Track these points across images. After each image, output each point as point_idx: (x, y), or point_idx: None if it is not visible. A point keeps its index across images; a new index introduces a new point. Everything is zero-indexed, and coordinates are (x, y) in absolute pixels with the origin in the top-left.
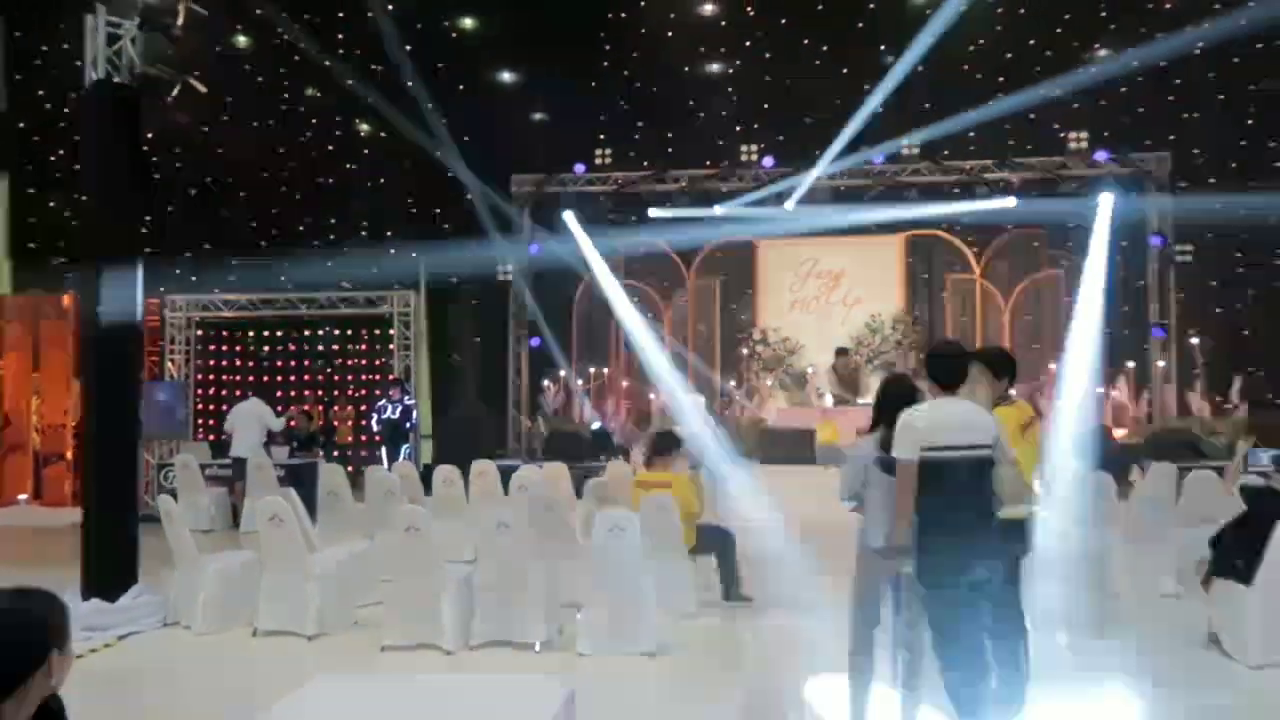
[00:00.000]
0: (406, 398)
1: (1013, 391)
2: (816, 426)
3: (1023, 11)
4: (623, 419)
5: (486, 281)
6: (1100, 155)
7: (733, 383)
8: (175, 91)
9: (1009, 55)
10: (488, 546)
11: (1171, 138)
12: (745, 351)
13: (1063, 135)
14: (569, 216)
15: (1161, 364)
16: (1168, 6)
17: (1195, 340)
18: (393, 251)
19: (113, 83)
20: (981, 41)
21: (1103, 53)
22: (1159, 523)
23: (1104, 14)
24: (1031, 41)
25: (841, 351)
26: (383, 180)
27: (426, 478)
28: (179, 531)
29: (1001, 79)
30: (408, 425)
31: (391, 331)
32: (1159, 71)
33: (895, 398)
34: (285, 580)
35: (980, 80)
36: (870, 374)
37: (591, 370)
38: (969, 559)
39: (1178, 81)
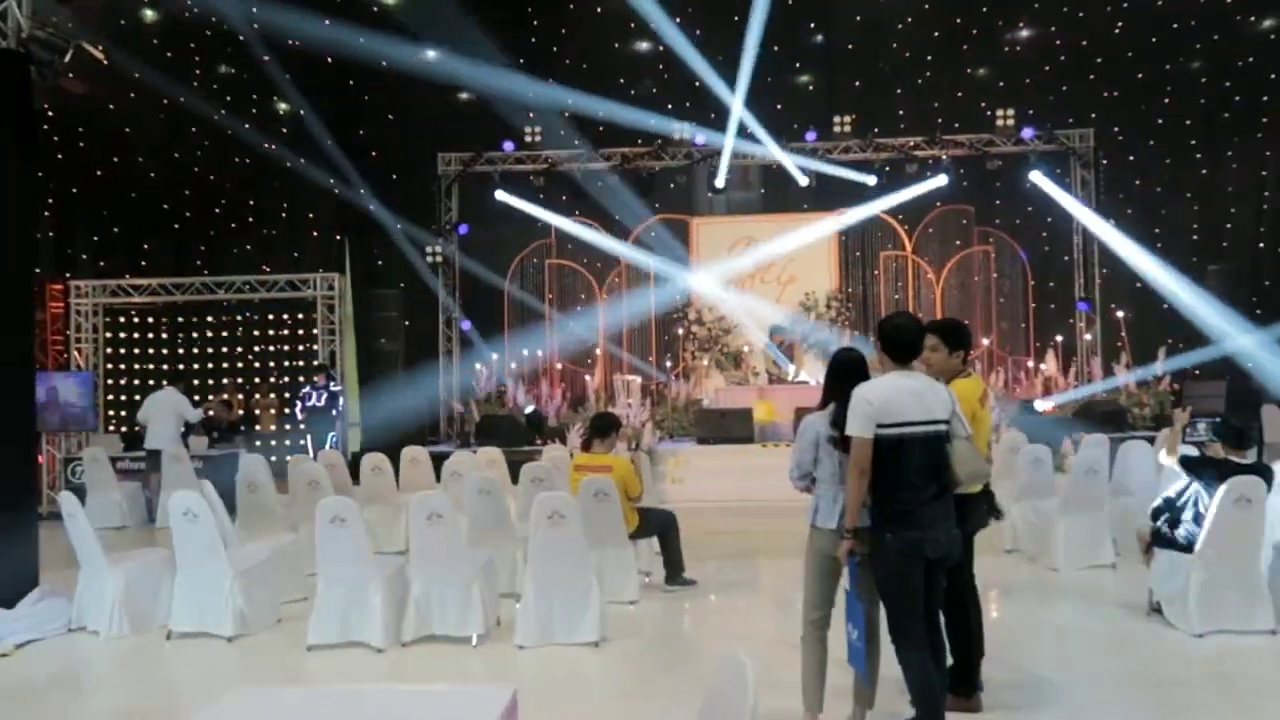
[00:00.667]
0: (332, 384)
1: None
2: (754, 405)
3: None
4: (558, 402)
5: (414, 263)
6: (1026, 133)
7: (669, 362)
8: (67, 58)
9: (936, 33)
10: (420, 537)
11: (1093, 115)
12: (680, 331)
13: (989, 113)
14: (501, 194)
15: (1088, 338)
16: None
17: (1121, 314)
18: (316, 234)
19: None
20: (910, 20)
21: (1026, 32)
22: (1094, 494)
23: None
24: (958, 20)
25: (776, 330)
26: (303, 159)
27: (355, 466)
28: (82, 530)
29: (929, 57)
30: (334, 412)
31: (315, 316)
32: (1081, 50)
33: (846, 373)
34: (201, 579)
35: (909, 58)
36: (804, 352)
37: (525, 352)
38: (926, 538)
39: (1099, 60)
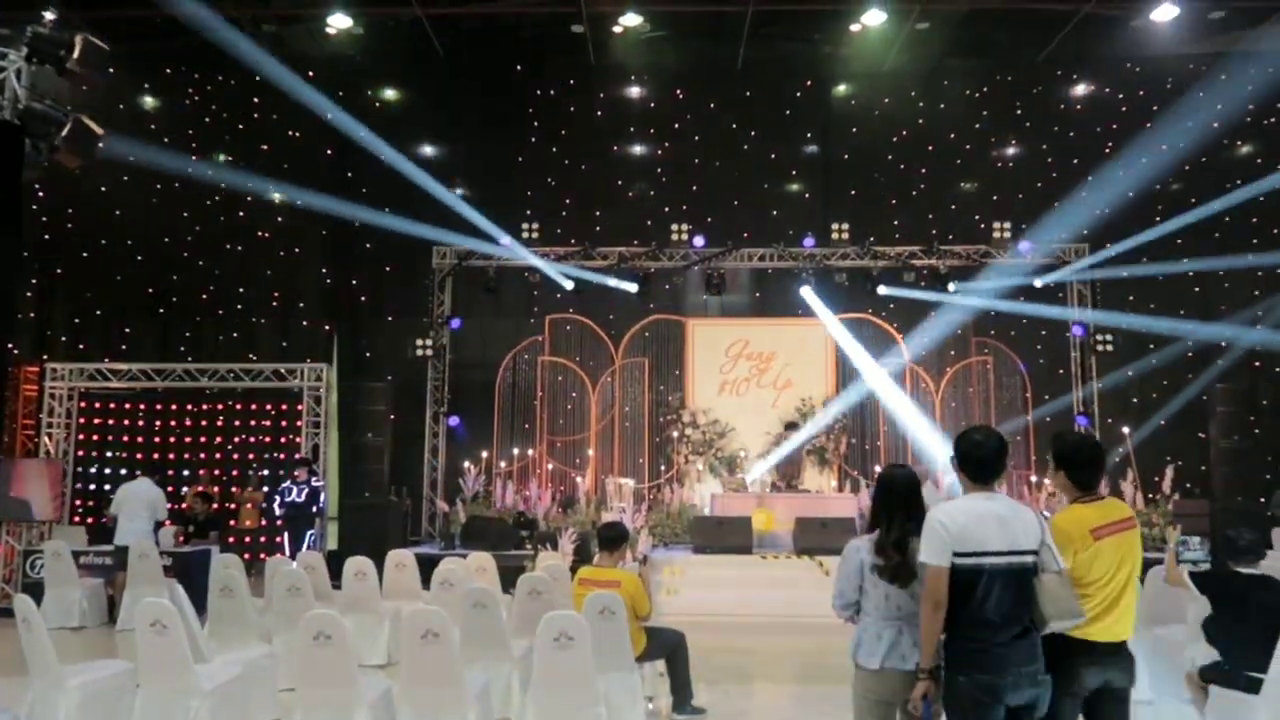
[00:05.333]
0: (314, 479)
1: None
2: (752, 513)
3: (942, 106)
4: (547, 504)
5: (403, 357)
6: (1023, 246)
7: (662, 466)
8: (65, 131)
9: (930, 147)
10: (412, 657)
11: (1085, 231)
12: (675, 434)
13: (983, 225)
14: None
15: None
16: (1078, 109)
17: (1126, 430)
18: (305, 323)
19: None
20: (904, 133)
21: (1016, 150)
22: None
23: (1019, 112)
24: (952, 135)
25: (792, 426)
26: (296, 249)
27: (334, 566)
28: (36, 637)
29: (924, 169)
30: (314, 509)
31: (300, 407)
32: (1072, 168)
33: (896, 493)
34: (166, 697)
35: (904, 170)
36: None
37: (514, 451)
38: (1004, 683)
39: (1089, 178)
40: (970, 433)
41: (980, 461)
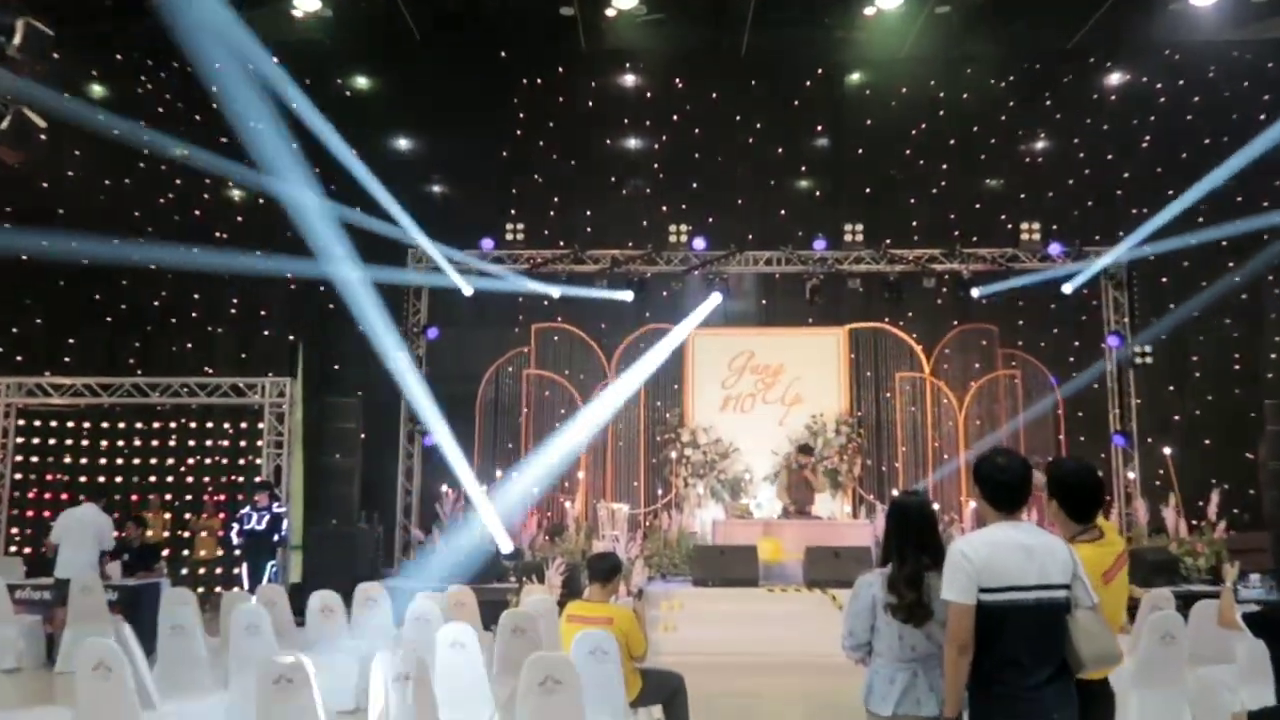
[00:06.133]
0: (276, 504)
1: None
2: (758, 542)
3: (964, 96)
4: (532, 531)
5: (375, 369)
6: (1054, 248)
7: (659, 489)
8: (4, 124)
9: (951, 141)
10: (382, 700)
11: (1120, 232)
12: (673, 454)
13: (1010, 226)
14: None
15: (1131, 476)
16: (1112, 99)
17: (1168, 451)
18: (267, 333)
19: None
20: (923, 125)
21: (1046, 144)
22: (1171, 664)
23: (1048, 102)
24: (974, 128)
25: (805, 450)
26: (258, 250)
27: (297, 600)
28: None
29: (944, 165)
30: (276, 538)
31: (261, 425)
32: (1106, 164)
33: (910, 523)
34: None
35: (923, 166)
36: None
37: (497, 473)
38: None
39: (1125, 175)
40: (992, 456)
41: (1004, 487)
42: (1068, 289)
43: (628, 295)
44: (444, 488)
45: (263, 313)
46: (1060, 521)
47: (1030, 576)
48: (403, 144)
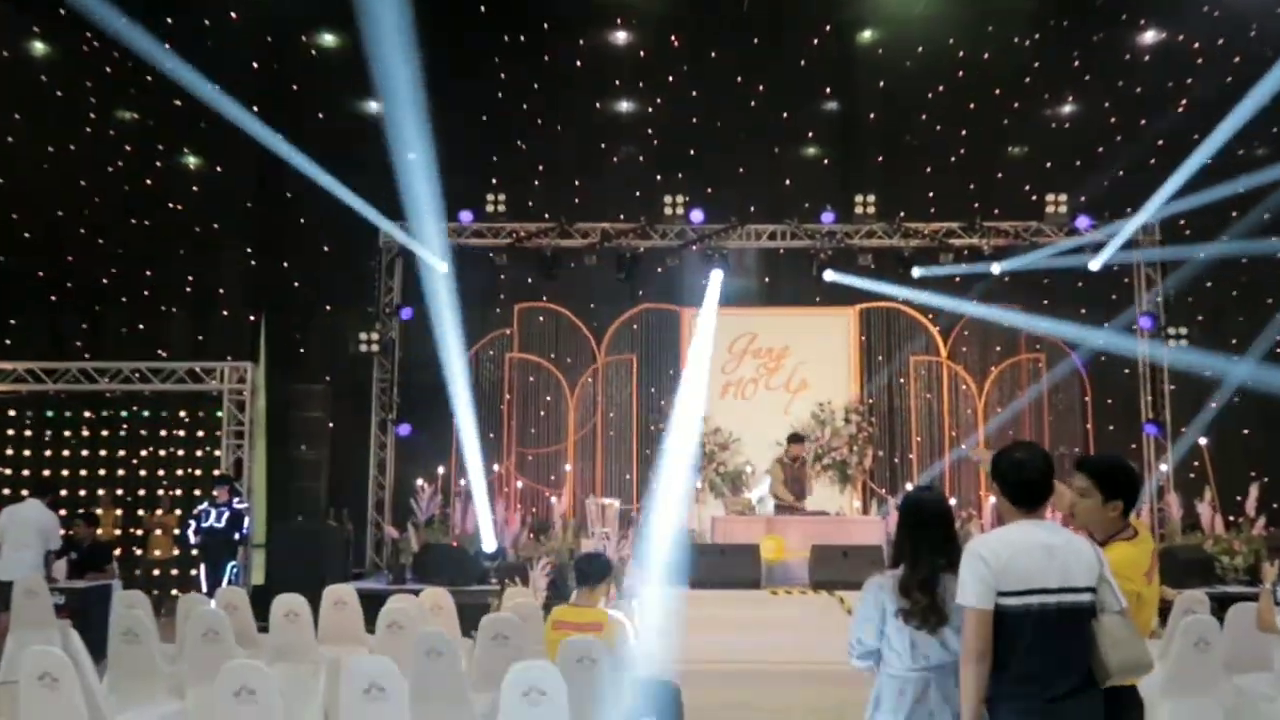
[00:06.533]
0: (236, 500)
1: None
2: (760, 541)
3: (986, 56)
4: (516, 529)
5: (344, 353)
6: (1081, 222)
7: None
8: None
9: (971, 104)
10: (351, 712)
11: (1154, 205)
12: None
13: (1035, 198)
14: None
15: (1163, 468)
16: (1146, 60)
17: (1203, 441)
18: (225, 313)
19: None
20: (940, 88)
21: (1073, 108)
22: (1205, 671)
23: (1076, 63)
24: (996, 91)
25: (796, 439)
26: (215, 224)
27: (260, 603)
28: None
29: (963, 131)
30: (237, 536)
31: (220, 414)
32: (1139, 131)
33: (923, 522)
34: None
35: (941, 132)
36: (819, 474)
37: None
38: None
39: (1160, 142)
40: (1011, 450)
41: (1024, 484)
42: (1094, 265)
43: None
44: (419, 482)
45: (221, 291)
46: (1107, 521)
47: (1052, 579)
48: (372, 106)
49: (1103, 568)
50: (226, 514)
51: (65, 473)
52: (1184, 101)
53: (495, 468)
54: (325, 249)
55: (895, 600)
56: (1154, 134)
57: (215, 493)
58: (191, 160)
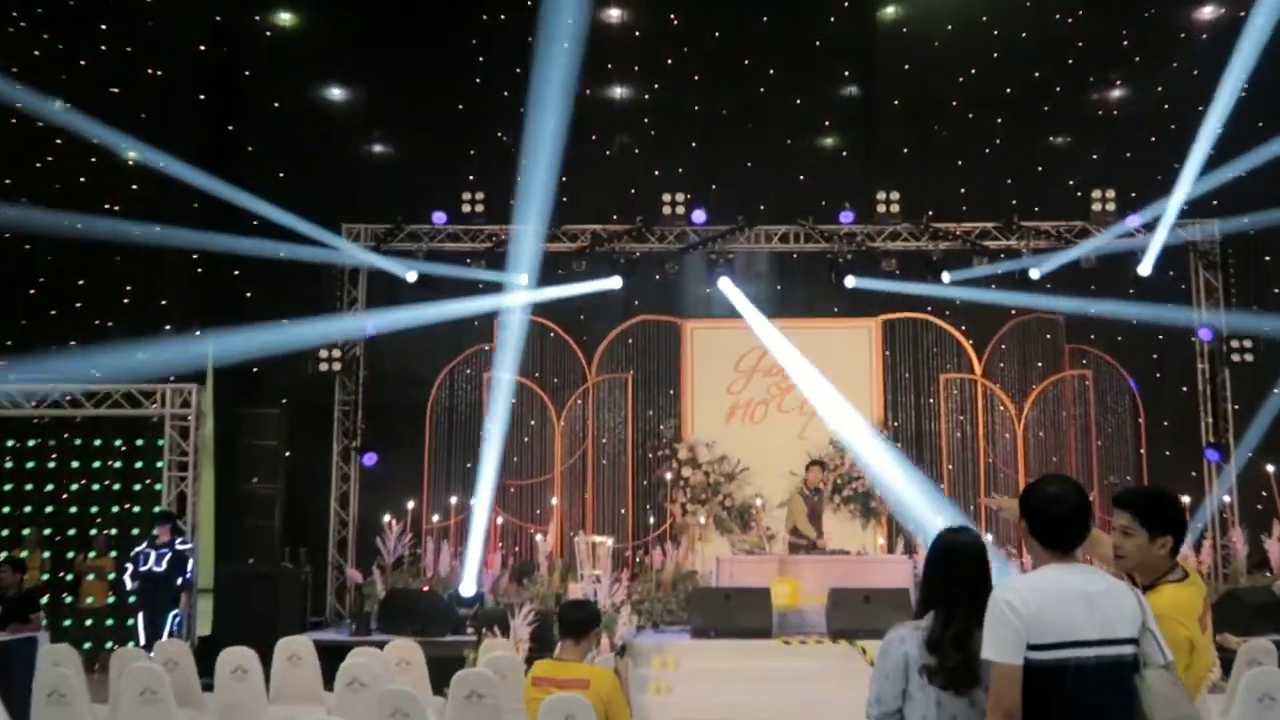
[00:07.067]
0: (179, 540)
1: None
2: (772, 584)
3: (1024, 35)
4: (496, 571)
5: (302, 372)
6: (1132, 221)
7: (651, 518)
8: None
9: (1008, 89)
10: None
11: (1215, 202)
12: (668, 476)
13: (1079, 194)
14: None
15: (1226, 499)
16: (1203, 39)
17: (1271, 468)
18: (169, 328)
19: None
20: (973, 71)
21: (1122, 93)
22: None
23: (1125, 42)
24: (1035, 74)
25: (818, 464)
26: (157, 226)
27: (205, 657)
28: None
29: (999, 119)
30: (180, 581)
31: (162, 443)
32: (1196, 118)
33: (956, 566)
34: None
35: (973, 121)
36: (838, 508)
37: (452, 500)
38: None
39: (1220, 131)
40: (1043, 484)
41: (1057, 522)
42: (1145, 269)
43: (615, 281)
44: (386, 518)
45: (163, 302)
46: (1155, 561)
47: (1090, 630)
48: (335, 93)
49: (1146, 616)
50: (168, 556)
51: None
52: (1245, 85)
53: (473, 501)
54: (280, 254)
55: (921, 655)
56: (1213, 121)
57: (156, 532)
58: (131, 154)
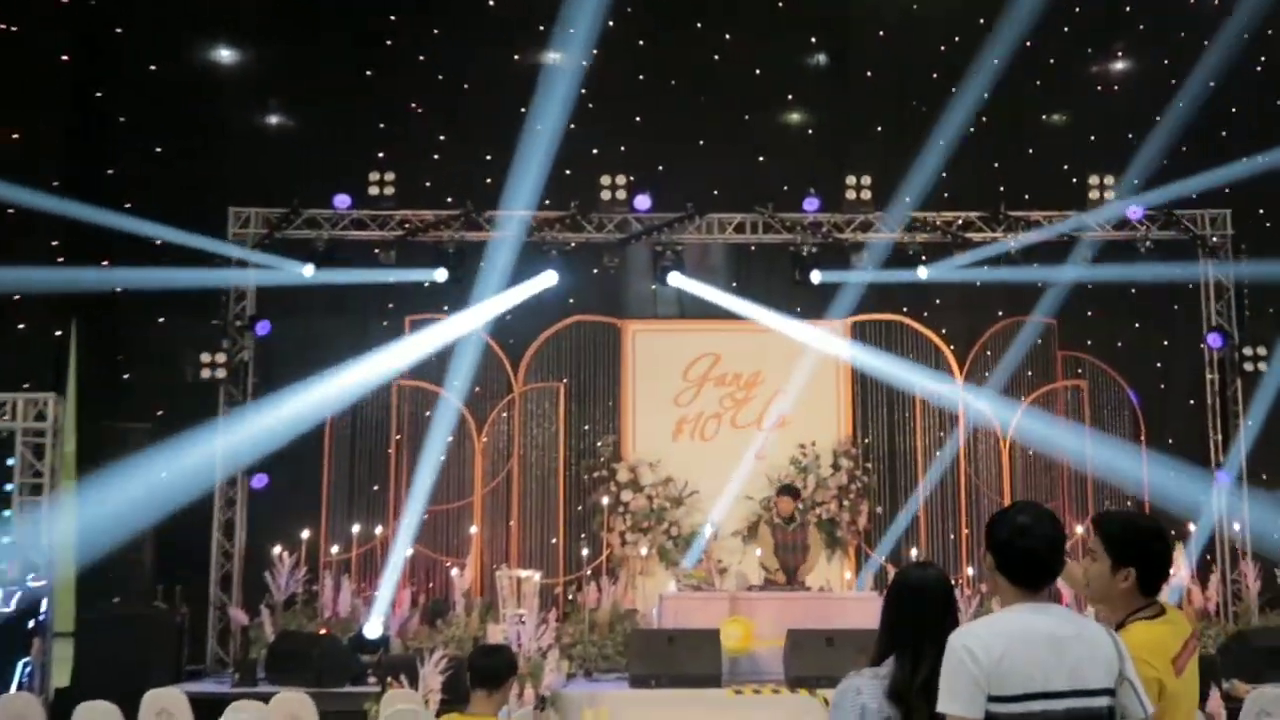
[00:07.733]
0: (30, 576)
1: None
2: (722, 625)
3: None
4: (404, 611)
5: (180, 380)
6: (1133, 211)
7: (585, 550)
8: None
9: (994, 60)
10: None
11: (1227, 190)
12: (605, 501)
13: (1075, 180)
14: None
15: (1236, 527)
16: (1215, 5)
17: None
18: (21, 327)
19: None
20: (956, 39)
21: (1125, 64)
22: None
23: (1127, 9)
24: (1027, 43)
25: (788, 491)
26: (10, 210)
27: (61, 712)
28: None
29: (985, 94)
30: (31, 624)
31: (12, 461)
32: (1207, 95)
33: (918, 605)
34: None
35: (955, 96)
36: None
37: (355, 529)
38: None
39: (1234, 110)
40: (1011, 513)
41: (1026, 556)
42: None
43: (551, 277)
44: (277, 549)
45: (15, 297)
46: (1124, 597)
47: (1059, 680)
48: (224, 55)
49: (1124, 665)
50: (17, 594)
51: None
52: (1262, 58)
53: (378, 530)
54: (157, 241)
55: (882, 708)
56: (1224, 100)
57: (4, 567)
58: None
